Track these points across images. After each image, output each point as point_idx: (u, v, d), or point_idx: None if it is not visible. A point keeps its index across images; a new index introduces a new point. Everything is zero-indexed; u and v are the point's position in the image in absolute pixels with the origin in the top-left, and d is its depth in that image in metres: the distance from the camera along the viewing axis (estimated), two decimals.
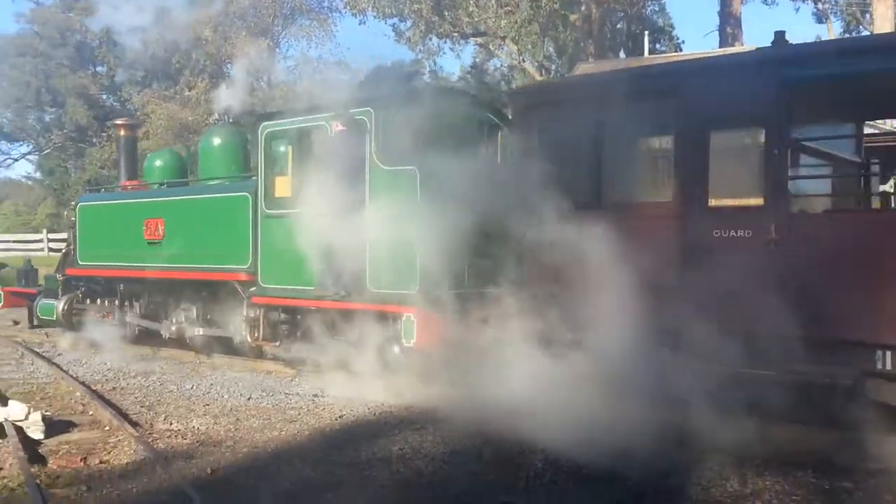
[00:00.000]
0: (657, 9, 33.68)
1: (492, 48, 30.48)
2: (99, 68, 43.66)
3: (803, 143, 6.89)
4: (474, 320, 7.98)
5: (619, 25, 30.19)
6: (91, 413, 7.68)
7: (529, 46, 29.45)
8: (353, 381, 8.55)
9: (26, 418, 6.74)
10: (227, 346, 10.50)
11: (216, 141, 11.36)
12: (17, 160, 45.59)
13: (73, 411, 7.82)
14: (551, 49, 32.37)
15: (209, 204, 10.41)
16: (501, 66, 32.36)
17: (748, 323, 6.15)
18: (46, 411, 7.42)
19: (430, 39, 28.90)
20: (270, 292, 9.52)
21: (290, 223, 9.05)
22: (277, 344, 9.77)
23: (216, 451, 6.35)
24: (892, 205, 8.67)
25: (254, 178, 9.83)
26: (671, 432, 6.23)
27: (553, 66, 31.74)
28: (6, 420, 6.62)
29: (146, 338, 11.57)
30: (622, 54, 28.39)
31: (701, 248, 6.45)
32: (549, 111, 7.66)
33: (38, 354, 11.12)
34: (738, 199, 6.74)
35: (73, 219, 12.65)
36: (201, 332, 10.63)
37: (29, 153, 45.12)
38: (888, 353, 5.86)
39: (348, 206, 8.44)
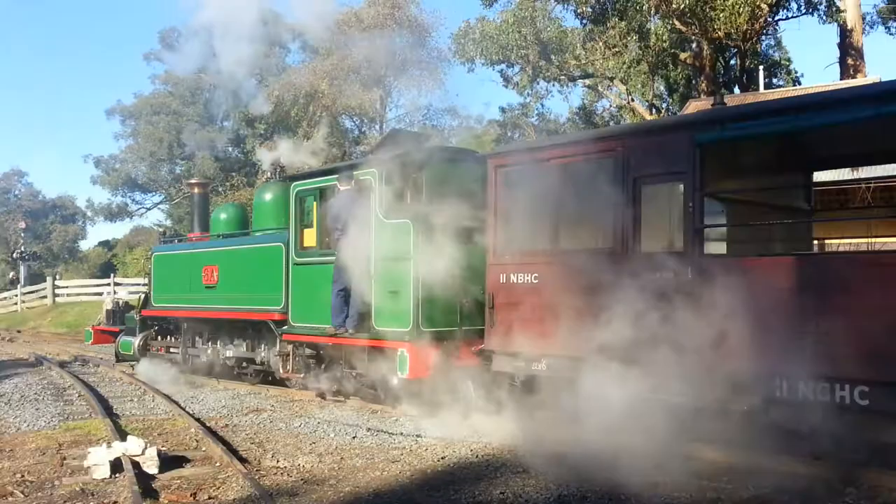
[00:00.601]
0: (773, 43, 32.69)
1: (600, 89, 30.29)
2: (226, 123, 46.20)
3: (717, 195, 7.55)
4: (463, 353, 9.10)
5: (732, 62, 29.41)
6: (204, 449, 7.90)
7: (639, 86, 29.09)
8: (455, 422, 8.68)
9: (143, 453, 7.01)
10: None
11: (267, 196, 12.54)
12: (149, 209, 48.57)
13: (188, 447, 8.08)
14: (661, 88, 31.85)
15: (252, 253, 11.93)
16: (610, 106, 32.08)
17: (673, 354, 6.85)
18: (162, 447, 7.71)
19: (538, 83, 29.00)
20: (298, 330, 10.76)
21: (314, 269, 10.43)
22: (302, 376, 10.89)
23: (319, 490, 6.38)
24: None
25: (288, 230, 11.08)
26: (777, 478, 5.85)
27: (663, 105, 31.20)
28: (124, 455, 6.90)
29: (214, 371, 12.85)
30: (736, 90, 27.59)
31: (634, 286, 7.18)
32: (516, 170, 8.62)
33: (157, 391, 11.62)
34: (664, 245, 7.48)
35: (150, 266, 14.32)
36: (230, 354, 12.19)
37: (160, 203, 48.00)
38: (785, 382, 6.45)
39: (357, 255, 9.60)
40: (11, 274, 44.71)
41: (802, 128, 6.99)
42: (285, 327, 10.91)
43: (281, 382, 11.67)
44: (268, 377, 12.01)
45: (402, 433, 8.52)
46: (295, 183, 10.97)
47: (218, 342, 12.47)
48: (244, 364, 12.25)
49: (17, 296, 36.53)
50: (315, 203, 10.57)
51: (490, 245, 8.79)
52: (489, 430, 8.28)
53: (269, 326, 11.21)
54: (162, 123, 44.06)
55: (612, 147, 7.76)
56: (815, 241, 9.36)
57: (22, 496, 6.22)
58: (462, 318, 9.37)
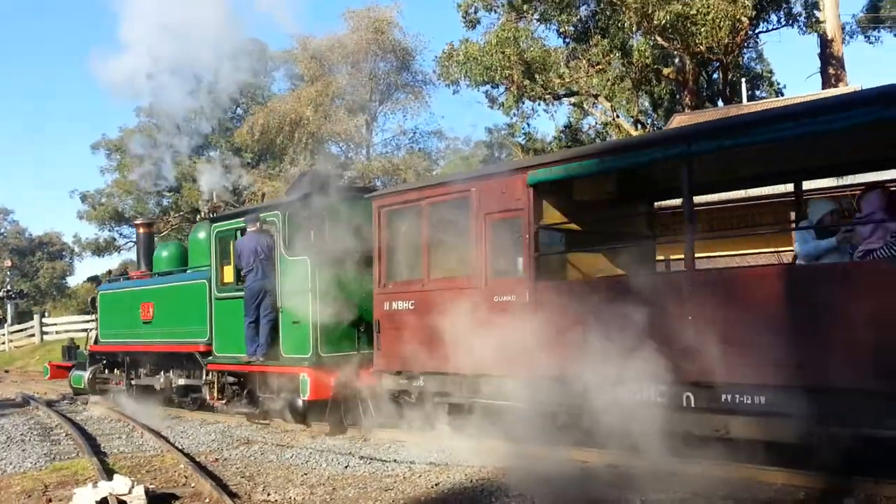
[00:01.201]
0: (754, 56, 32.93)
1: (585, 107, 30.35)
2: (212, 153, 46.08)
3: (552, 226, 8.42)
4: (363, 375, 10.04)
5: (714, 75, 29.58)
6: (193, 485, 7.70)
7: (623, 102, 29.15)
8: (443, 445, 8.63)
9: (130, 492, 6.83)
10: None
11: (200, 235, 13.13)
12: (136, 243, 48.21)
13: (177, 483, 7.88)
14: (646, 103, 31.95)
15: (180, 289, 12.78)
16: (596, 123, 32.14)
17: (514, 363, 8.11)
18: (151, 484, 7.53)
19: (523, 103, 29.00)
20: (221, 360, 11.71)
21: (232, 303, 11.35)
22: (226, 402, 11.73)
23: None
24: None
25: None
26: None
27: (648, 121, 31.28)
28: (110, 495, 6.72)
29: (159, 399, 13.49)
30: (720, 103, 27.72)
31: (486, 308, 8.48)
32: (394, 210, 9.88)
33: (147, 428, 11.39)
34: (509, 272, 8.53)
35: (96, 304, 15.20)
36: (180, 383, 12.82)
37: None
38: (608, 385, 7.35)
39: (266, 289, 10.77)
40: None
41: (623, 166, 8.04)
42: (210, 357, 11.87)
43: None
44: (206, 404, 12.52)
45: (395, 460, 8.37)
46: (214, 224, 12.03)
47: (159, 375, 13.20)
48: (185, 392, 12.98)
49: (3, 335, 36.10)
50: (232, 242, 11.47)
51: (376, 276, 9.85)
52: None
53: (195, 357, 12.17)
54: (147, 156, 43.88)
55: (467, 188, 8.89)
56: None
57: None
58: (360, 343, 10.33)
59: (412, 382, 9.37)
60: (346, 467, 8.23)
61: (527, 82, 26.52)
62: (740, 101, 25.37)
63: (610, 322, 7.22)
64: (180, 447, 9.85)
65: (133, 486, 6.90)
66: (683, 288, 7.11)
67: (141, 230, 15.77)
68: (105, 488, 6.84)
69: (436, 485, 7.22)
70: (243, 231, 11.23)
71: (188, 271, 13.19)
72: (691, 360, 6.81)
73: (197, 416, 12.55)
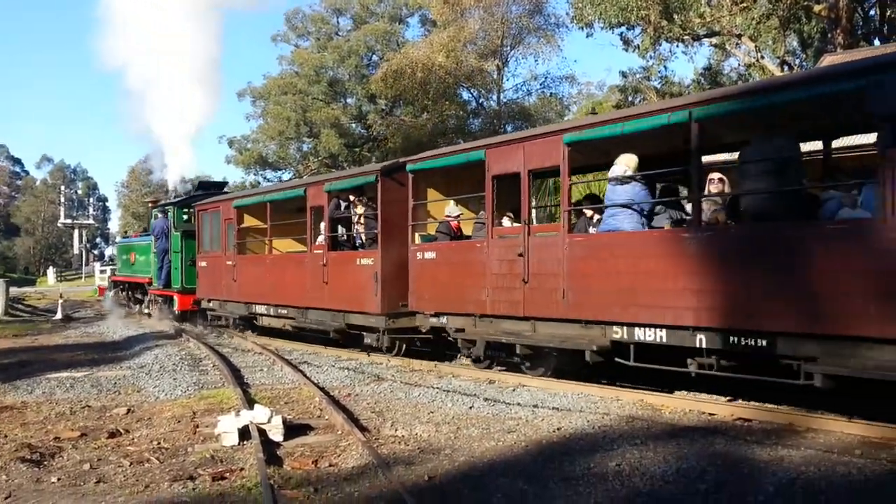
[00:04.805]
0: None
1: (727, 48, 28.76)
2: (349, 100, 47.12)
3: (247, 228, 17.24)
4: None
5: (871, 12, 27.25)
6: (327, 417, 8.16)
7: (769, 42, 27.41)
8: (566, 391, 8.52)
9: (269, 422, 7.31)
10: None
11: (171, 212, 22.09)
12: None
13: (311, 415, 8.37)
14: (794, 43, 29.94)
15: (142, 246, 23.46)
16: (738, 65, 30.43)
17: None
18: (288, 415, 8.03)
19: (660, 45, 27.84)
20: (154, 288, 21.78)
21: (156, 255, 21.54)
22: (152, 309, 22.09)
23: (435, 459, 6.46)
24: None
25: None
26: None
27: (796, 61, 29.32)
28: (251, 423, 7.22)
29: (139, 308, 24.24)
30: (876, 42, 25.57)
31: (224, 267, 17.52)
32: (201, 213, 19.02)
33: (287, 362, 12.10)
34: (231, 250, 17.33)
35: (115, 250, 29.34)
36: (143, 301, 23.64)
37: (290, 179, 49.58)
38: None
39: (166, 249, 20.74)
40: None
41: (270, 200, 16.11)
42: (151, 286, 22.05)
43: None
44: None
45: (518, 403, 8.52)
46: (153, 209, 22.90)
47: (137, 293, 24.66)
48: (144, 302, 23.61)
49: None
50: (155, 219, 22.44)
51: (196, 247, 19.12)
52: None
53: (145, 287, 22.97)
54: (289, 103, 45.35)
55: (218, 206, 17.80)
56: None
57: (157, 462, 6.60)
58: None
59: (209, 304, 18.51)
60: (470, 408, 8.45)
61: (664, 23, 25.44)
62: None
63: (266, 275, 15.65)
64: (316, 382, 10.41)
65: (272, 416, 7.37)
66: (301, 261, 14.55)
67: (150, 205, 25.41)
68: (246, 417, 7.34)
69: (557, 429, 7.31)
70: (164, 211, 21.44)
71: (147, 234, 23.18)
72: (305, 296, 14.17)
73: (332, 353, 13.21)
